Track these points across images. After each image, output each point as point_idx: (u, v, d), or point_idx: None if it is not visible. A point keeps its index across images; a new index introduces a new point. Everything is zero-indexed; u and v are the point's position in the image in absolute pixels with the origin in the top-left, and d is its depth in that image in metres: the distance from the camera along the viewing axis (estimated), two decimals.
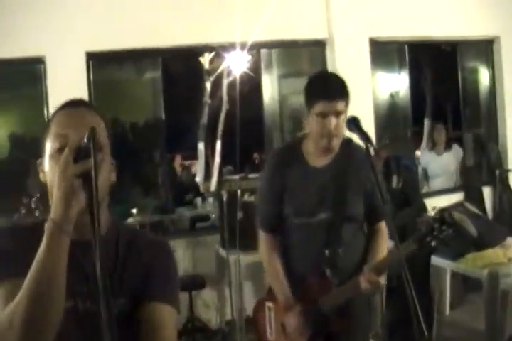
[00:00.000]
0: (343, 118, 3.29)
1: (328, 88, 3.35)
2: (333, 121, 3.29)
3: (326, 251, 3.45)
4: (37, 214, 5.59)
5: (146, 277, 1.99)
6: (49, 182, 1.89)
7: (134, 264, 2.01)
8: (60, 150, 1.82)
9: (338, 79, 3.42)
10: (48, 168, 1.90)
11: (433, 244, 3.06)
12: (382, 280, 3.19)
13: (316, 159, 3.52)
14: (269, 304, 3.66)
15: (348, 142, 3.49)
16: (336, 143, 3.39)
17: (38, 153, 1.97)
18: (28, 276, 1.66)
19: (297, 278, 3.53)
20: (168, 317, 1.97)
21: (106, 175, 1.91)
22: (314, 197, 3.48)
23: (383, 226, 3.61)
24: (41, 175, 1.97)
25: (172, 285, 2.06)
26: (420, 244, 3.06)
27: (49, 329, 1.67)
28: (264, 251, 3.66)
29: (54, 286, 1.67)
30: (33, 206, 5.52)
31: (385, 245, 3.57)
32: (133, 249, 2.04)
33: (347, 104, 3.33)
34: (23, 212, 5.65)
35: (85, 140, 1.67)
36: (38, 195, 5.73)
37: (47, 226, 1.68)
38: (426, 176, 9.35)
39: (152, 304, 1.96)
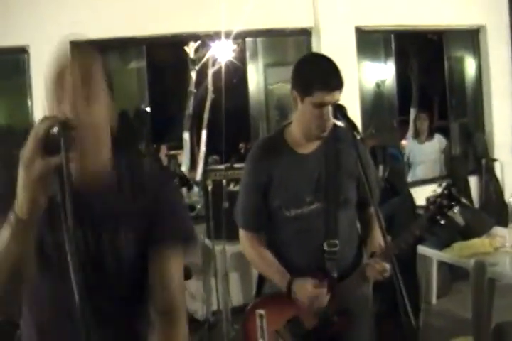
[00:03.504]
0: None
1: (329, 77, 3.12)
2: (330, 111, 3.10)
3: (325, 244, 3.28)
4: None
5: (154, 221, 1.99)
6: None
7: (140, 203, 1.98)
8: (59, 75, 1.80)
9: (336, 67, 3.19)
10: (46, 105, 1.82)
11: (442, 221, 2.99)
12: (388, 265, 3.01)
13: (303, 146, 3.32)
14: (259, 311, 3.45)
15: (334, 125, 3.23)
16: (328, 131, 3.20)
17: (23, 143, 1.91)
18: None
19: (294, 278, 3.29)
20: (174, 262, 2.01)
21: (101, 117, 1.86)
22: (306, 186, 3.29)
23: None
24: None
25: (181, 223, 2.09)
26: (431, 222, 3.00)
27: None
28: (250, 248, 3.44)
29: (17, 272, 1.66)
30: None
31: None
32: (137, 188, 2.01)
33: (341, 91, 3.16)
34: None
35: (54, 131, 1.55)
36: None
37: (11, 219, 1.61)
38: (408, 164, 9.34)
39: (162, 249, 1.99)
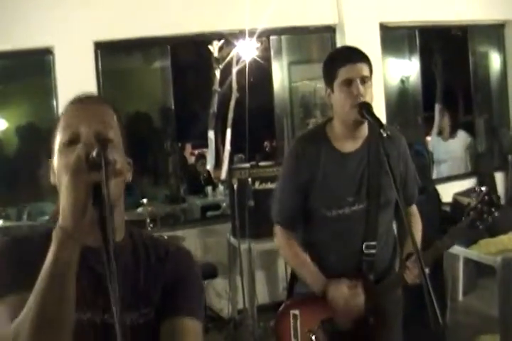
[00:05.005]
0: (369, 86, 3.09)
1: (350, 52, 3.17)
2: (360, 87, 3.03)
3: (364, 245, 3.24)
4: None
5: (173, 289, 1.90)
6: (58, 181, 1.76)
7: (157, 273, 1.90)
8: (69, 144, 1.73)
9: (357, 48, 3.19)
10: (56, 163, 1.77)
11: (481, 227, 2.94)
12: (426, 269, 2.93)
13: (345, 144, 3.24)
14: (294, 312, 3.35)
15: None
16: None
17: (48, 146, 1.82)
18: (36, 288, 1.52)
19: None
20: (193, 330, 1.87)
21: (119, 178, 1.76)
22: (349, 186, 3.22)
23: (415, 210, 3.46)
24: (52, 177, 1.82)
25: (199, 299, 1.98)
26: (471, 227, 2.95)
27: None
28: (285, 246, 3.41)
29: (63, 298, 1.53)
30: None
31: (420, 231, 3.37)
32: (153, 257, 1.92)
33: (371, 71, 3.12)
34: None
35: (94, 154, 1.52)
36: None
37: (55, 233, 1.52)
38: (432, 160, 9.29)
39: (178, 318, 1.86)
